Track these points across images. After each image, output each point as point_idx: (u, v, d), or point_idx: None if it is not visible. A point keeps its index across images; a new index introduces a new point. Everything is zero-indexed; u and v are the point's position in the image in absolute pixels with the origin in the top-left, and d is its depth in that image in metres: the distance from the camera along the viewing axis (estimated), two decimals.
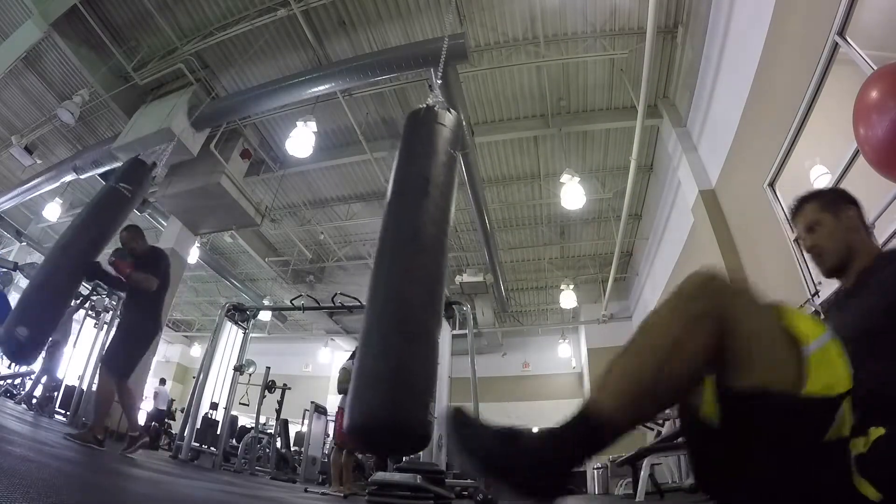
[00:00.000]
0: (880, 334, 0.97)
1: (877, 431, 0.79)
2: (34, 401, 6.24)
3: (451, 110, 3.32)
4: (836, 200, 1.27)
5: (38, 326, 3.79)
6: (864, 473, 0.75)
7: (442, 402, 4.53)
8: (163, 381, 10.39)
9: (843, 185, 3.21)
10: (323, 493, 4.38)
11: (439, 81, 4.00)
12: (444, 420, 0.88)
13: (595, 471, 8.23)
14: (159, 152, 6.13)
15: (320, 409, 7.91)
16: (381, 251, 2.59)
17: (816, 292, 3.53)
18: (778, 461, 0.75)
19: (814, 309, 3.13)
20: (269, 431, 7.91)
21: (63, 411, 5.96)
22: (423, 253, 2.50)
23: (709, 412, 0.80)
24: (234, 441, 7.74)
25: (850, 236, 1.20)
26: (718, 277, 0.83)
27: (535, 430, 0.82)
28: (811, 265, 3.73)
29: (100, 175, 7.71)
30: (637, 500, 4.44)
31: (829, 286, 3.34)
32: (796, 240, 1.34)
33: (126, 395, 3.35)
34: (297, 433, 9.50)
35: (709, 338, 0.77)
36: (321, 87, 5.85)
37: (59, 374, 6.59)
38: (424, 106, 3.31)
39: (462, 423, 0.84)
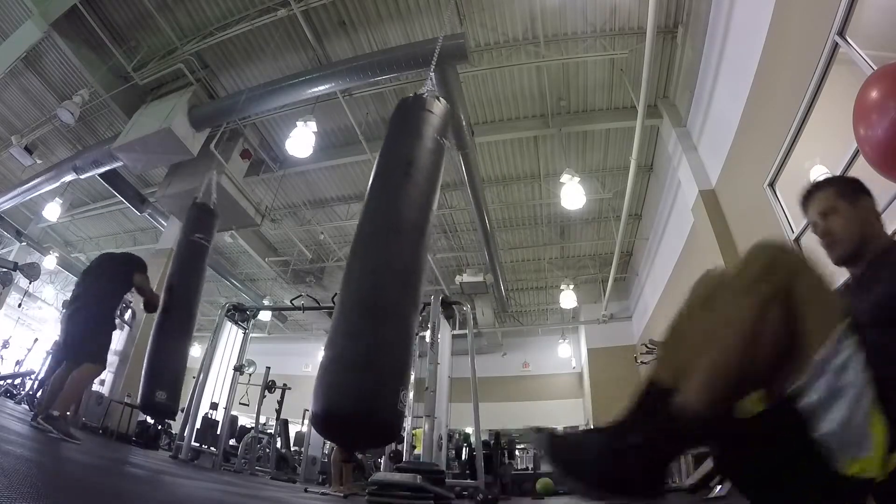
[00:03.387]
0: None
1: None
2: (35, 401, 6.24)
3: (441, 99, 3.24)
4: (853, 189, 1.24)
5: (173, 385, 4.47)
6: (881, 501, 0.69)
7: (442, 402, 4.53)
8: None
9: None
10: (323, 493, 4.38)
11: (432, 73, 3.95)
12: (540, 448, 0.88)
13: None
14: (206, 189, 6.06)
15: None
16: (358, 234, 2.49)
17: None
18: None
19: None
20: (269, 431, 7.90)
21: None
22: (401, 236, 2.39)
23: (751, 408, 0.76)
24: (234, 441, 7.73)
25: (865, 226, 1.18)
26: (784, 253, 0.80)
27: (618, 434, 0.80)
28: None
29: (100, 175, 7.73)
30: None
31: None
32: (811, 225, 1.27)
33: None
34: (297, 433, 9.49)
35: (781, 325, 0.74)
36: (321, 87, 5.85)
37: None
38: (413, 94, 3.25)
39: (559, 446, 0.84)
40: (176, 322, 4.64)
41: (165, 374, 4.43)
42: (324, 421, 1.90)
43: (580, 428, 11.85)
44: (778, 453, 0.73)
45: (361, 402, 1.87)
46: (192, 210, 5.61)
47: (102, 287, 3.52)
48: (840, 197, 1.22)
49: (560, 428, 12.75)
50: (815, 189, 1.28)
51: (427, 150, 2.82)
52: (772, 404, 0.73)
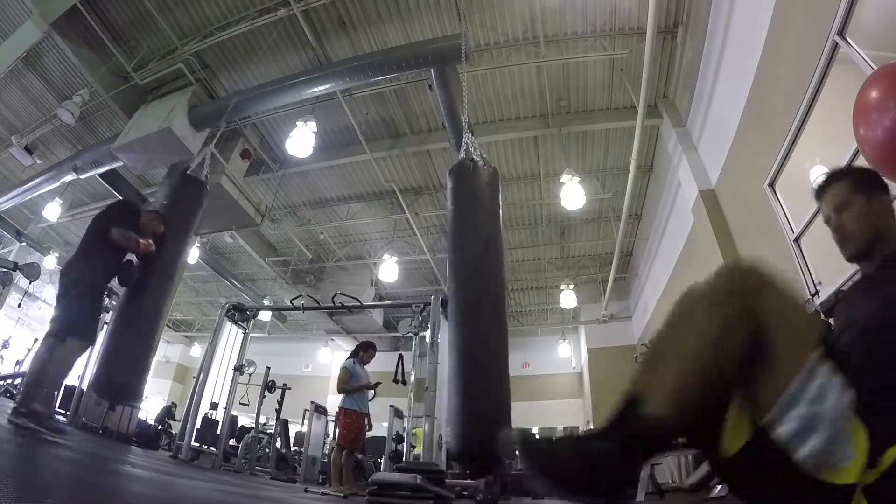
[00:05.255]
0: None
1: (892, 453, 0.73)
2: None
3: (489, 165, 3.75)
4: (869, 183, 1.18)
5: (134, 367, 3.78)
6: (873, 500, 0.71)
7: (442, 402, 4.53)
8: None
9: None
10: (323, 493, 4.38)
11: (468, 138, 4.17)
12: (514, 445, 0.89)
13: None
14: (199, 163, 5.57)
15: (320, 409, 7.90)
16: (458, 308, 3.14)
17: (816, 293, 3.53)
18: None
19: (814, 309, 3.13)
20: (269, 431, 7.90)
21: (63, 411, 5.96)
22: (494, 308, 3.12)
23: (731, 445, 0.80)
24: (234, 441, 7.74)
25: (880, 223, 1.12)
26: (753, 276, 0.81)
27: (593, 439, 0.82)
28: (811, 265, 3.73)
29: (100, 175, 7.72)
30: (637, 500, 4.44)
31: (829, 287, 3.35)
32: (825, 218, 1.22)
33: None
34: (297, 433, 9.49)
35: (746, 341, 0.76)
36: (321, 87, 5.85)
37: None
38: (468, 161, 3.61)
39: (532, 446, 0.86)
40: (146, 300, 3.99)
41: (128, 354, 3.80)
42: (461, 456, 2.85)
43: (580, 428, 11.85)
44: (763, 480, 0.77)
45: (489, 439, 2.61)
46: (173, 177, 5.07)
47: (81, 246, 3.08)
48: (854, 191, 1.16)
49: (560, 428, 12.76)
50: (829, 181, 1.22)
51: (493, 225, 3.42)
52: (750, 436, 0.76)
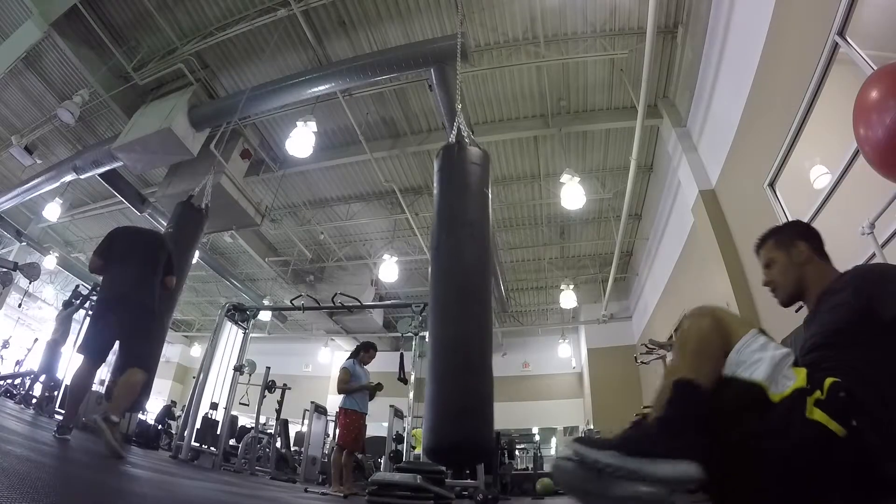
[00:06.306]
0: (835, 333, 1.18)
1: (831, 379, 0.99)
2: (34, 400, 6.25)
3: (478, 146, 3.48)
4: (788, 238, 1.41)
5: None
6: (826, 411, 0.94)
7: None
8: None
9: (843, 185, 3.21)
10: (323, 493, 4.38)
11: (459, 121, 4.05)
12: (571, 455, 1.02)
13: None
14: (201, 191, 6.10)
15: (320, 409, 7.90)
16: (436, 300, 2.90)
17: None
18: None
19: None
20: (269, 431, 7.90)
21: (63, 411, 5.96)
22: (474, 299, 2.85)
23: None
24: (234, 441, 7.73)
25: (801, 270, 1.35)
26: (710, 311, 1.12)
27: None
28: None
29: (100, 175, 7.73)
30: None
31: None
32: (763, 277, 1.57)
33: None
34: (297, 433, 9.50)
35: (719, 340, 1.07)
36: (321, 87, 5.85)
37: (59, 374, 6.59)
38: (455, 143, 3.41)
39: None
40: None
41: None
42: (442, 453, 2.63)
43: (581, 428, 11.84)
44: (732, 403, 1.01)
45: (471, 437, 2.55)
46: (179, 207, 5.67)
47: (148, 274, 3.09)
48: (777, 248, 1.41)
49: (560, 428, 12.73)
50: (759, 243, 1.48)
51: (478, 205, 3.15)
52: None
